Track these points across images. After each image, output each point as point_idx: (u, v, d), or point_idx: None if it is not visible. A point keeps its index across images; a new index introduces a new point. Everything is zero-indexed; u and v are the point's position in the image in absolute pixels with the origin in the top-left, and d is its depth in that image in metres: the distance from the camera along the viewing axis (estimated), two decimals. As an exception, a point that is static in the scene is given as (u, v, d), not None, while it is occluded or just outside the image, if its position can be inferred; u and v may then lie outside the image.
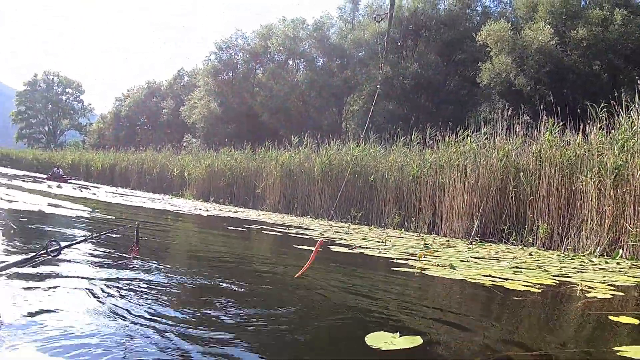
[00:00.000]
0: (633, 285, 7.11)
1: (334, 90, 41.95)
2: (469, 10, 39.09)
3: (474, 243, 13.79)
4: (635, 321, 4.45)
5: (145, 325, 3.18)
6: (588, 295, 5.79)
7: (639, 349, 3.40)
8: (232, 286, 4.98)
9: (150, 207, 19.69)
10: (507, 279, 6.54)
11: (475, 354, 3.35)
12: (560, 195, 13.78)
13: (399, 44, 40.07)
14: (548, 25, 28.56)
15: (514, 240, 14.43)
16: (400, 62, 37.58)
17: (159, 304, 3.77)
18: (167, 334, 3.03)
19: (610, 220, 12.10)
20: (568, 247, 12.87)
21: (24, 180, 31.23)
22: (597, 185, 12.64)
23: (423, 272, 6.88)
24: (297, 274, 4.04)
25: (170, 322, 3.32)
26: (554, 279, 6.96)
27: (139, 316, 3.36)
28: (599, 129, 13.50)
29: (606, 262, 10.19)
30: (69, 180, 39.34)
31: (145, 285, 4.43)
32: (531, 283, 6.35)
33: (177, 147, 46.09)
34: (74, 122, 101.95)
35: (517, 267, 8.02)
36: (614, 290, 6.28)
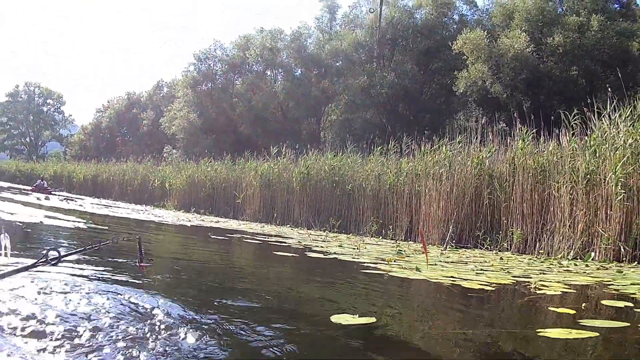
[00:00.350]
0: (589, 284, 7.40)
1: (312, 101, 42.12)
2: (446, 19, 39.25)
3: (448, 249, 13.96)
4: (572, 311, 4.86)
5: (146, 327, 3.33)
6: (539, 292, 6.19)
7: (561, 331, 3.95)
8: (222, 284, 6.25)
9: (136, 217, 20.19)
10: (466, 279, 6.93)
11: (414, 330, 4.38)
12: (534, 201, 13.99)
13: (375, 53, 40.33)
14: (524, 33, 28.85)
15: (488, 245, 14.63)
16: (377, 71, 37.78)
17: (158, 306, 3.90)
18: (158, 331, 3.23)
19: (583, 224, 12.32)
20: (541, 251, 13.11)
21: (12, 193, 31.65)
22: (570, 190, 12.88)
23: (389, 273, 7.33)
24: None
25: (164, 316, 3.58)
26: (514, 279, 7.32)
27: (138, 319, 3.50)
28: (572, 135, 13.72)
29: (575, 265, 10.44)
30: (52, 192, 39.16)
31: (148, 293, 4.52)
32: (489, 282, 6.75)
33: (158, 158, 46.04)
34: (55, 133, 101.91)
35: (482, 270, 8.36)
36: (567, 288, 6.66)
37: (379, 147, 21.21)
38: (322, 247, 12.00)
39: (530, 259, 12.01)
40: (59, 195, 37.27)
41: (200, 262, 8.64)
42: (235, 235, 14.79)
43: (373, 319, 4.10)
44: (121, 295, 4.02)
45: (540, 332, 3.93)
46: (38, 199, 26.49)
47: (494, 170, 15.63)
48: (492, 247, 14.53)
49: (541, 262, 11.14)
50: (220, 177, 29.93)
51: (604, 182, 12.07)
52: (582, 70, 29.02)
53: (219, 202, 29.57)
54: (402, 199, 18.17)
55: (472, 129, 17.45)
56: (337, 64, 42.68)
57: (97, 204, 28.62)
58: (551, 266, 9.99)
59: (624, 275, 8.52)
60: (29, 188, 41.69)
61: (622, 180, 11.41)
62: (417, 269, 7.82)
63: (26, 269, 3.53)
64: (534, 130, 15.24)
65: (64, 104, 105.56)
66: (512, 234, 14.16)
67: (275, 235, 15.56)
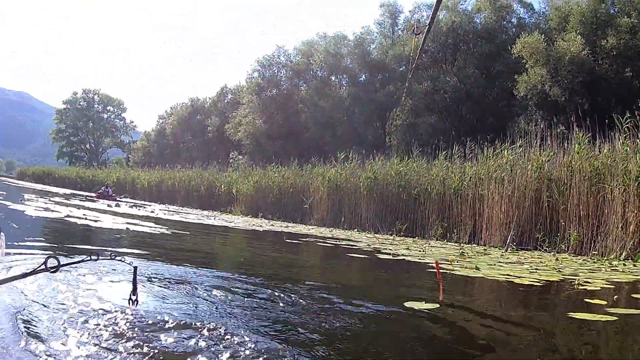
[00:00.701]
0: (629, 282, 8.21)
1: (377, 106, 42.11)
2: (505, 23, 39.24)
3: (509, 251, 14.65)
4: (604, 302, 5.89)
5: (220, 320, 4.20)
6: (581, 287, 7.15)
7: (587, 314, 5.15)
8: (314, 277, 7.78)
9: (209, 223, 21.12)
10: (519, 277, 7.91)
11: (468, 311, 5.58)
12: (589, 203, 14.50)
13: (438, 56, 40.54)
14: (579, 36, 29.09)
15: (547, 247, 15.15)
16: (441, 76, 37.95)
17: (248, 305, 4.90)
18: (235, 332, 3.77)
19: (634, 226, 12.82)
20: (594, 252, 13.62)
21: (80, 200, 32.64)
22: (623, 192, 13.35)
23: (452, 272, 8.40)
24: (440, 298, 5.55)
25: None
26: (562, 277, 8.24)
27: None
28: (625, 138, 14.27)
29: (624, 265, 11.10)
30: (117, 199, 40.27)
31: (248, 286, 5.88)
32: (539, 280, 7.76)
33: (224, 164, 46.78)
34: (116, 139, 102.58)
35: (536, 269, 9.28)
36: (607, 284, 7.57)
37: (444, 152, 21.68)
38: (390, 249, 12.93)
39: (584, 259, 12.68)
40: (125, 201, 38.39)
41: (287, 260, 10.32)
42: (307, 239, 15.80)
43: (437, 305, 5.35)
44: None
45: (570, 314, 5.21)
46: (109, 206, 27.61)
47: (552, 173, 16.19)
48: (550, 248, 15.06)
49: (593, 262, 11.83)
50: (287, 183, 30.27)
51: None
52: (635, 71, 29.23)
53: (286, 207, 29.93)
54: (466, 202, 18.74)
55: (531, 132, 17.96)
56: (401, 69, 42.20)
57: (167, 210, 29.79)
58: (601, 266, 10.70)
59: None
60: (94, 195, 43.09)
61: (671, 182, 11.85)
62: (477, 268, 8.87)
63: (25, 275, 3.65)
64: (590, 134, 15.87)
65: (125, 110, 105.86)
66: (569, 235, 14.67)
67: (345, 239, 16.45)
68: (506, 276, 8.06)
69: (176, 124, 74.85)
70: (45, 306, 4.26)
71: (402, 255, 11.49)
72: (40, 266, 3.60)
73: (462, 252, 13.19)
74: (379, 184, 23.07)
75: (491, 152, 18.73)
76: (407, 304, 5.30)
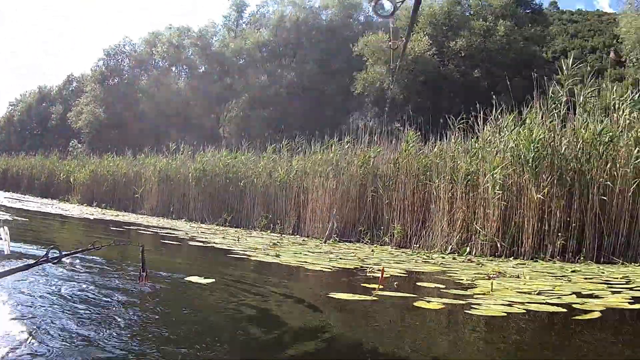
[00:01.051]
0: (426, 272, 8.20)
1: (214, 98, 42.47)
2: (352, 20, 39.98)
3: (328, 242, 14.61)
4: (380, 286, 5.84)
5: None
6: (370, 274, 7.21)
7: (349, 295, 5.48)
8: (117, 261, 7.65)
9: (47, 211, 21.22)
10: (314, 264, 8.03)
11: (237, 284, 6.33)
12: (416, 199, 14.62)
13: (279, 50, 40.77)
14: (427, 36, 29.62)
15: (369, 240, 15.15)
16: (278, 70, 38.33)
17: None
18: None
19: (461, 222, 12.90)
20: (416, 246, 13.73)
21: None
22: (450, 190, 13.45)
23: (251, 258, 8.64)
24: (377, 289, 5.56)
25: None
26: (360, 265, 8.29)
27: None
28: (458, 139, 14.45)
29: (442, 257, 11.16)
30: None
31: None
32: (333, 267, 7.87)
33: (64, 153, 45.72)
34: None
35: (340, 258, 9.27)
36: (401, 272, 7.65)
37: (272, 145, 21.74)
38: (206, 238, 12.94)
39: (403, 252, 12.68)
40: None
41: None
42: (132, 227, 15.76)
43: (213, 280, 6.13)
44: None
45: (333, 295, 5.53)
46: (-43, 194, 27.03)
47: (378, 169, 16.25)
48: (373, 241, 15.04)
49: (411, 255, 11.78)
50: (121, 172, 30.05)
51: (483, 183, 12.63)
52: (484, 73, 29.90)
53: (119, 197, 29.61)
54: (291, 195, 18.76)
55: (362, 129, 18.19)
56: (240, 62, 43.23)
57: (10, 198, 29.51)
58: (415, 258, 10.71)
59: (480, 267, 9.18)
60: None
61: (500, 181, 11.94)
62: (277, 255, 8.90)
63: (29, 267, 3.76)
64: (419, 132, 16.02)
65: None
66: (394, 229, 14.66)
67: (168, 228, 16.43)
68: (303, 263, 8.17)
69: (24, 111, 72.73)
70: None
71: (214, 243, 11.76)
72: (42, 257, 3.78)
73: (276, 242, 13.19)
74: (208, 175, 23.06)
75: (319, 147, 18.79)
76: (188, 279, 6.13)
